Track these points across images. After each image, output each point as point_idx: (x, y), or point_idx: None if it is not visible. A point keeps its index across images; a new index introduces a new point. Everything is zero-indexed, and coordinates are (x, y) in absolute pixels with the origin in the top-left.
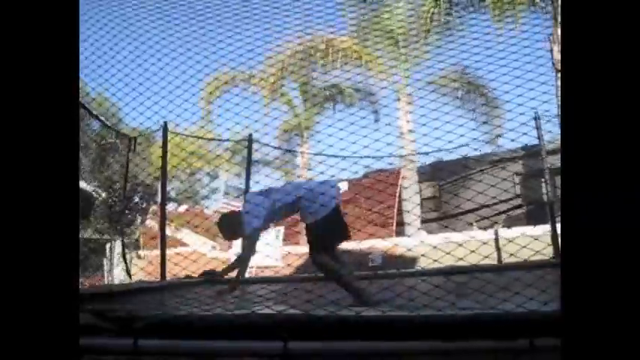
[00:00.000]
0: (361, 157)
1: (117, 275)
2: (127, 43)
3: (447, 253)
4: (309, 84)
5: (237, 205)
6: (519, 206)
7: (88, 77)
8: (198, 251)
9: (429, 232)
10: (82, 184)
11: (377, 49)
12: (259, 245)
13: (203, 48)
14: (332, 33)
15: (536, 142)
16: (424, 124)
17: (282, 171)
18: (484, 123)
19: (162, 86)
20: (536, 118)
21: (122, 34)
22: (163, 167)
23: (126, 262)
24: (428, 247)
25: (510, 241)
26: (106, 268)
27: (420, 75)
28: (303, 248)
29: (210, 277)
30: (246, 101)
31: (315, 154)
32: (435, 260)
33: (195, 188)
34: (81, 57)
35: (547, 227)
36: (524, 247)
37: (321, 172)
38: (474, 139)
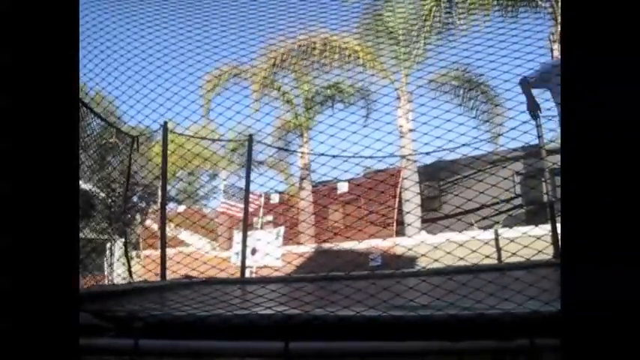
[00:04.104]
0: (361, 158)
1: (117, 275)
2: (127, 42)
3: (448, 253)
4: (309, 82)
5: (237, 205)
6: (520, 206)
7: (86, 77)
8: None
9: (430, 231)
10: (82, 184)
11: (378, 47)
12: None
13: (204, 42)
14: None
15: (536, 141)
16: (424, 123)
17: (283, 173)
18: (485, 122)
19: (158, 83)
20: (536, 117)
21: (123, 34)
22: (163, 167)
23: (129, 262)
24: (428, 247)
25: (511, 241)
26: (106, 268)
27: (421, 74)
28: (303, 248)
29: None
30: (244, 99)
31: (315, 154)
32: (436, 260)
33: (196, 188)
34: (81, 57)
35: (547, 227)
36: (525, 247)
37: (324, 174)
38: (475, 138)
